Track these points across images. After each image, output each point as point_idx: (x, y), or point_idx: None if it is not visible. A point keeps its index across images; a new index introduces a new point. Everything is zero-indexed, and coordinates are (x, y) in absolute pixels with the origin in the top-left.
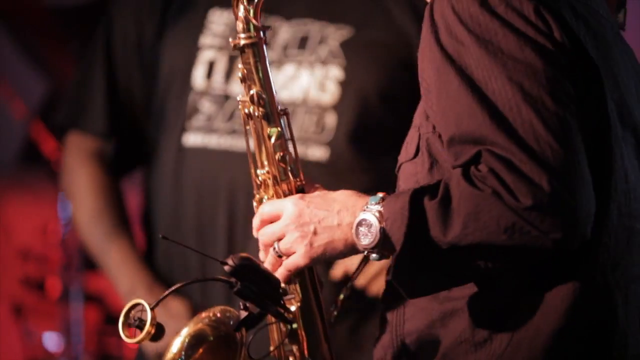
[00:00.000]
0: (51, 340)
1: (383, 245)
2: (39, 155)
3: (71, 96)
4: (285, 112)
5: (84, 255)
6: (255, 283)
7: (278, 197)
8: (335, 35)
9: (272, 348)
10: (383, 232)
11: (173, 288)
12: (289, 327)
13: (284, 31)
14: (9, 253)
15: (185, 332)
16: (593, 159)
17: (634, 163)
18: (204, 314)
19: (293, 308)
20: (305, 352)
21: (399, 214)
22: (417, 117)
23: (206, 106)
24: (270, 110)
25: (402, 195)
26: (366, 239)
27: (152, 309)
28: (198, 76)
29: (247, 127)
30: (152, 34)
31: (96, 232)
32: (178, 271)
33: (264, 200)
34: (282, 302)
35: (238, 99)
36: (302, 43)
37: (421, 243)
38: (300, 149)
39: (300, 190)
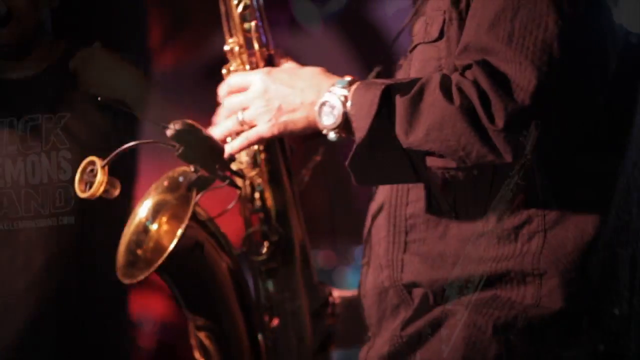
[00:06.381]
0: None
1: (344, 127)
2: None
3: None
4: None
5: None
6: (197, 148)
7: (244, 65)
8: None
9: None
10: (345, 116)
11: (123, 147)
12: (239, 191)
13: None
14: None
15: (148, 202)
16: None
17: None
18: (168, 175)
19: (253, 173)
20: (272, 215)
21: (367, 104)
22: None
23: None
24: None
25: (375, 86)
26: (328, 120)
27: (102, 167)
28: None
29: None
30: None
31: None
32: None
33: (232, 68)
34: (229, 166)
35: None
36: None
37: (382, 137)
38: None
39: (269, 59)
